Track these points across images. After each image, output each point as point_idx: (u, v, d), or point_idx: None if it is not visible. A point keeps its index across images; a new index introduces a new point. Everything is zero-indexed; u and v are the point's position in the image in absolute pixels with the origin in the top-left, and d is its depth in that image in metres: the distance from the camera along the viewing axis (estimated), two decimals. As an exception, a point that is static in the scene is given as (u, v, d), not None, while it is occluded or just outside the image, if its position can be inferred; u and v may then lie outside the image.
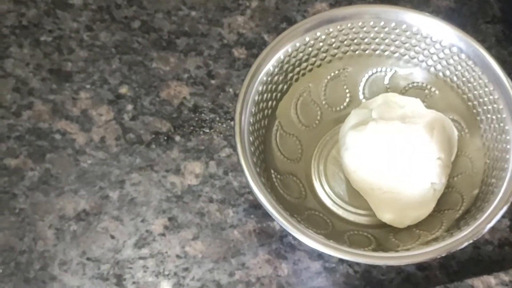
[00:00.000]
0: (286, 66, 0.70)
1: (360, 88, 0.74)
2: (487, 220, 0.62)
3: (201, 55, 0.78)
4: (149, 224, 0.71)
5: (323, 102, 0.73)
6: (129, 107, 0.76)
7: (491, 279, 0.65)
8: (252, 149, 0.65)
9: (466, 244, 0.61)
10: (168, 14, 0.80)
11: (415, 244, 0.64)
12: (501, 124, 0.67)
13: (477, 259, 0.69)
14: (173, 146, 0.74)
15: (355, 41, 0.72)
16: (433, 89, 0.72)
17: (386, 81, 0.73)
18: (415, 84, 0.73)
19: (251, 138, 0.66)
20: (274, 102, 0.70)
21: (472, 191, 0.67)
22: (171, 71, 0.77)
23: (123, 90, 0.76)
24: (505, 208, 0.62)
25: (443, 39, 0.70)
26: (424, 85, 0.73)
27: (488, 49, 0.79)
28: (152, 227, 0.71)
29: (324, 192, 0.70)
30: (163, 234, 0.70)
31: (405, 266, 0.69)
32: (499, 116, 0.67)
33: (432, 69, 0.72)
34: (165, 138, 0.74)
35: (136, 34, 0.79)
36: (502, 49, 0.80)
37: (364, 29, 0.71)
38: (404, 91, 0.73)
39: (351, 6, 0.71)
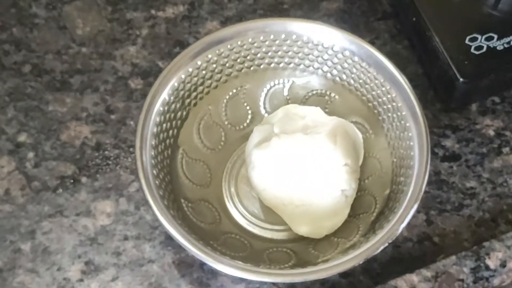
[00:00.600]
0: (181, 92, 0.69)
1: (261, 103, 0.73)
2: (400, 221, 0.62)
3: (97, 91, 0.77)
4: (65, 271, 0.69)
5: (226, 123, 0.73)
6: (31, 154, 0.74)
7: (414, 277, 0.66)
8: (157, 182, 0.64)
9: (382, 248, 0.61)
10: (59, 54, 0.79)
11: (334, 253, 0.64)
12: (402, 122, 0.67)
13: (398, 257, 0.69)
14: (81, 188, 0.72)
15: (248, 57, 0.71)
16: (332, 94, 0.72)
17: (286, 93, 0.73)
18: (314, 92, 0.73)
19: (155, 171, 0.65)
20: (175, 131, 0.70)
21: (383, 191, 0.67)
22: (68, 111, 0.76)
23: (22, 138, 0.75)
24: (415, 207, 0.62)
25: (334, 44, 0.70)
26: (324, 91, 0.73)
27: (383, 45, 0.80)
28: (69, 274, 0.69)
29: (239, 213, 0.70)
30: (82, 280, 0.69)
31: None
32: (399, 114, 0.67)
33: (328, 75, 0.72)
34: (71, 181, 0.73)
35: (29, 79, 0.77)
36: (397, 44, 0.80)
37: (255, 44, 0.71)
38: (304, 100, 0.73)
39: (237, 24, 0.71)
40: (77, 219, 0.71)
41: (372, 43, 0.79)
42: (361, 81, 0.70)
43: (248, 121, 0.73)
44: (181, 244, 0.61)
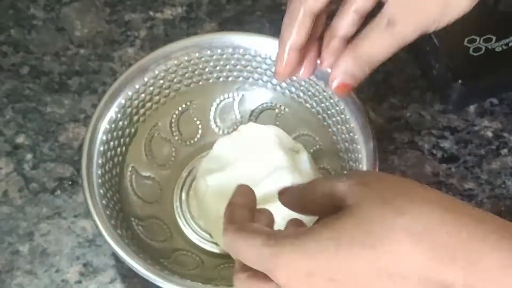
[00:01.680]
0: (129, 109, 0.68)
1: (211, 118, 0.73)
2: None
3: (95, 93, 0.77)
4: (64, 273, 0.69)
5: (176, 138, 0.72)
6: (29, 156, 0.74)
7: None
8: (104, 201, 0.64)
9: None
10: (57, 56, 0.79)
11: None
12: (351, 134, 0.67)
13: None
14: (79, 189, 0.72)
15: (196, 72, 0.71)
16: (282, 107, 0.72)
17: (236, 106, 0.73)
18: (264, 105, 0.73)
19: (102, 190, 0.64)
20: (123, 148, 0.69)
21: None
22: (66, 113, 0.76)
23: (20, 139, 0.75)
24: None
25: (271, 54, 0.69)
26: (274, 104, 0.72)
27: (382, 47, 0.80)
28: (67, 275, 0.69)
29: (190, 229, 0.69)
30: (80, 282, 0.69)
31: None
32: (347, 126, 0.67)
33: (278, 88, 0.72)
34: (70, 182, 0.73)
35: (27, 80, 0.77)
36: (395, 45, 0.80)
37: (203, 59, 0.70)
38: (256, 114, 0.73)
39: (184, 39, 0.71)
40: (75, 220, 0.71)
41: (370, 44, 0.79)
42: (310, 93, 0.70)
43: (198, 136, 0.73)
44: (127, 263, 0.61)
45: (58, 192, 0.72)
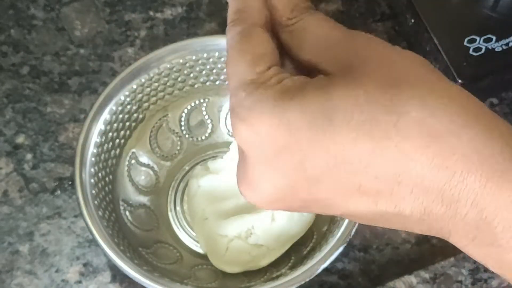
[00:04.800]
0: (139, 95, 0.69)
1: (222, 119, 0.73)
2: (322, 261, 0.61)
3: (95, 93, 0.77)
4: (64, 273, 0.69)
5: (184, 132, 0.72)
6: (29, 156, 0.74)
7: (412, 278, 0.66)
8: (94, 180, 0.64)
9: (297, 285, 0.60)
10: (57, 55, 0.79)
11: (259, 280, 0.64)
12: None
13: (397, 259, 0.69)
14: (79, 189, 0.72)
15: (214, 71, 0.71)
16: None
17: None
18: None
19: (93, 170, 0.65)
20: (128, 132, 0.69)
21: (322, 227, 0.66)
22: (66, 113, 0.76)
23: (20, 139, 0.75)
24: (341, 249, 0.61)
25: None
26: None
27: (382, 47, 0.80)
28: (67, 275, 0.69)
29: (179, 224, 0.69)
30: (80, 282, 0.69)
31: (326, 277, 0.68)
32: None
33: None
34: (70, 182, 0.73)
35: (27, 80, 0.77)
36: (395, 45, 0.80)
37: (222, 59, 0.70)
38: None
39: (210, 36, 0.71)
40: (75, 220, 0.71)
41: (370, 44, 0.79)
42: None
43: (207, 134, 0.72)
44: (99, 245, 0.61)
45: (58, 192, 0.72)
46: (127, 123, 0.69)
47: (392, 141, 0.34)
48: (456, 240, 0.36)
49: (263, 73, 0.37)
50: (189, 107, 0.72)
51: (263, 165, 0.36)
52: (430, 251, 0.70)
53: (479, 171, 0.34)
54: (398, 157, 0.34)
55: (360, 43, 0.38)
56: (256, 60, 0.37)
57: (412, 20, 0.77)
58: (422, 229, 0.36)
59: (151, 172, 0.70)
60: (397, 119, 0.34)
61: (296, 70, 0.40)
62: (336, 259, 0.61)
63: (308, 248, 0.65)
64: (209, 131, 0.73)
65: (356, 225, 0.62)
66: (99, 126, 0.66)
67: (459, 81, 0.72)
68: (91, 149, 0.65)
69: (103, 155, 0.66)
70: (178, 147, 0.72)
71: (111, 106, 0.67)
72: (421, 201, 0.35)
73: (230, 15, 0.39)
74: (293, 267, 0.63)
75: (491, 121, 0.35)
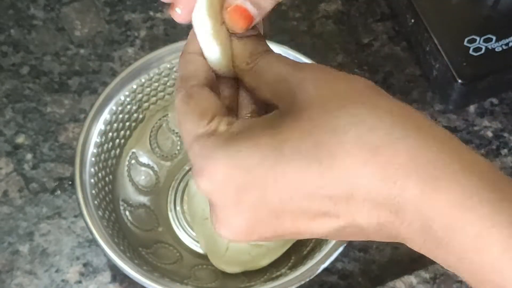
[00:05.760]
0: (139, 95, 0.69)
1: None
2: (321, 261, 0.61)
3: (95, 93, 0.77)
4: (64, 273, 0.69)
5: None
6: (29, 156, 0.74)
7: (412, 278, 0.66)
8: (94, 180, 0.65)
9: (297, 284, 0.60)
10: (57, 55, 0.79)
11: (259, 281, 0.64)
12: None
13: (397, 259, 0.69)
14: (79, 189, 0.72)
15: None
16: None
17: None
18: None
19: (93, 170, 0.65)
20: (128, 132, 0.69)
21: None
22: (66, 113, 0.76)
23: (20, 139, 0.75)
24: (341, 249, 0.61)
25: None
26: None
27: (381, 46, 0.80)
28: (67, 276, 0.69)
29: (179, 224, 0.70)
30: (80, 282, 0.69)
31: (326, 277, 0.68)
32: None
33: None
34: (70, 182, 0.73)
35: (27, 80, 0.77)
36: (395, 45, 0.80)
37: None
38: None
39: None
40: (75, 220, 0.71)
41: (370, 44, 0.79)
42: None
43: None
44: (99, 245, 0.62)
45: (58, 192, 0.72)
46: (127, 123, 0.69)
47: (337, 160, 0.36)
48: (413, 245, 0.38)
49: (209, 125, 0.39)
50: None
51: (228, 206, 0.39)
52: (430, 251, 0.70)
53: (417, 179, 0.36)
54: (345, 175, 0.36)
55: (305, 75, 0.40)
56: (200, 116, 0.39)
57: (412, 20, 0.77)
58: (383, 237, 0.38)
59: (151, 172, 0.70)
60: (339, 138, 0.36)
61: (261, 110, 0.42)
62: (336, 259, 0.61)
63: (308, 248, 0.65)
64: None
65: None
66: (99, 126, 0.66)
67: (459, 81, 0.72)
68: (91, 149, 0.65)
69: (103, 155, 0.66)
70: (178, 147, 0.72)
71: (111, 106, 0.67)
72: (374, 213, 0.37)
73: (176, 83, 0.42)
74: (293, 267, 0.63)
75: (428, 131, 0.37)
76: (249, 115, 0.43)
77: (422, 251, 0.38)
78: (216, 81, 0.43)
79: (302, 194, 0.37)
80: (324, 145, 0.36)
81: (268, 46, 0.43)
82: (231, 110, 0.43)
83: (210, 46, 0.42)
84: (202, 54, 0.42)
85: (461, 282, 0.66)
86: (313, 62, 0.38)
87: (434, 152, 0.36)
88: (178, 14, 0.42)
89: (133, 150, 0.69)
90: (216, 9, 0.42)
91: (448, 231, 0.36)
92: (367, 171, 0.36)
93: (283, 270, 0.64)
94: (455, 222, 0.35)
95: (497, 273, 0.35)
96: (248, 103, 0.43)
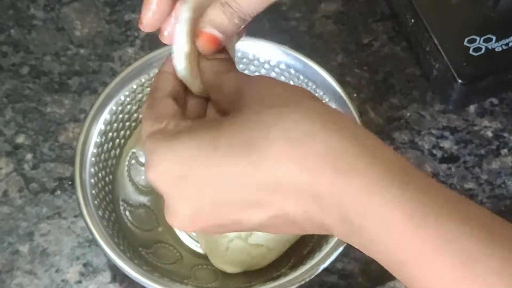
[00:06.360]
0: (139, 95, 0.69)
1: None
2: (321, 261, 0.61)
3: (95, 93, 0.77)
4: (64, 273, 0.69)
5: None
6: (29, 156, 0.74)
7: (412, 278, 0.65)
8: (94, 180, 0.65)
9: (297, 285, 0.60)
10: (57, 56, 0.79)
11: (259, 281, 0.64)
12: None
13: (397, 259, 0.69)
14: (79, 189, 0.72)
15: None
16: None
17: None
18: None
19: (93, 170, 0.65)
20: (128, 132, 0.69)
21: None
22: (67, 113, 0.76)
23: (20, 139, 0.75)
24: (341, 249, 0.61)
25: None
26: None
27: (381, 46, 0.80)
28: (67, 276, 0.69)
29: None
30: (80, 282, 0.69)
31: (326, 277, 0.68)
32: None
33: None
34: (70, 182, 0.73)
35: (27, 80, 0.77)
36: (395, 45, 0.80)
37: None
38: None
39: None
40: (75, 220, 0.71)
41: (370, 44, 0.79)
42: None
43: None
44: (99, 245, 0.62)
45: (58, 192, 0.72)
46: (127, 123, 0.69)
47: (264, 153, 0.40)
48: (336, 233, 0.41)
49: (161, 123, 0.44)
50: None
51: (173, 196, 0.43)
52: (430, 251, 0.70)
53: (332, 168, 0.39)
54: (272, 166, 0.40)
55: (251, 85, 0.44)
56: (156, 118, 0.45)
57: (412, 20, 0.77)
58: (313, 227, 0.41)
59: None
60: (267, 133, 0.40)
61: (221, 115, 0.47)
62: (336, 259, 0.61)
63: (308, 248, 0.65)
64: None
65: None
66: (99, 126, 0.66)
67: (459, 81, 0.72)
68: (91, 149, 0.65)
69: (103, 155, 0.66)
70: None
71: (111, 106, 0.67)
72: (300, 202, 0.40)
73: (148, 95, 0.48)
74: (293, 267, 0.63)
75: (347, 128, 0.41)
76: None
77: (343, 238, 0.41)
78: (183, 96, 0.48)
79: (236, 185, 0.41)
80: (254, 140, 0.40)
81: (234, 67, 0.49)
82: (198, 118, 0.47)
83: (182, 64, 0.48)
84: (172, 73, 0.48)
85: (461, 282, 0.66)
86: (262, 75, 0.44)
87: (349, 145, 0.40)
88: (166, 36, 0.50)
89: (133, 150, 0.69)
90: (191, 33, 0.48)
91: (360, 216, 0.39)
92: (290, 161, 0.40)
93: (283, 270, 0.64)
94: (364, 207, 0.39)
95: (403, 253, 0.38)
96: (214, 113, 0.48)
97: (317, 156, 0.39)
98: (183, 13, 0.48)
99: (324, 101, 0.67)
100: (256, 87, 0.44)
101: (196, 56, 0.48)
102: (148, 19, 0.50)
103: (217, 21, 0.47)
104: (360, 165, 0.39)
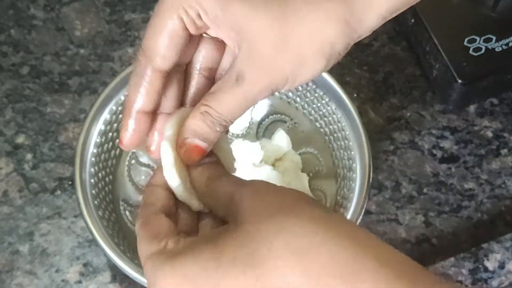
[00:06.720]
0: None
1: None
2: None
3: (95, 93, 0.77)
4: (64, 273, 0.69)
5: None
6: (29, 156, 0.74)
7: (412, 278, 0.65)
8: (94, 180, 0.65)
9: None
10: (57, 56, 0.79)
11: None
12: (350, 161, 0.67)
13: (397, 259, 0.69)
14: (79, 189, 0.72)
15: None
16: (293, 121, 0.72)
17: (248, 113, 0.72)
18: (276, 117, 0.72)
19: (93, 170, 0.65)
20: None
21: None
22: (66, 113, 0.76)
23: (20, 139, 0.75)
24: None
25: None
26: (284, 117, 0.72)
27: (381, 47, 0.80)
28: (67, 276, 0.69)
29: None
30: (80, 282, 0.69)
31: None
32: (349, 152, 0.68)
33: (291, 101, 0.72)
34: (70, 182, 0.73)
35: (27, 80, 0.77)
36: (395, 45, 0.80)
37: None
38: (266, 124, 0.73)
39: None
40: (75, 220, 0.71)
41: (370, 45, 0.79)
42: (321, 113, 0.70)
43: None
44: (99, 245, 0.62)
45: (58, 192, 0.72)
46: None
47: (269, 265, 0.40)
48: None
49: (159, 244, 0.44)
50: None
51: None
52: (430, 251, 0.70)
53: (338, 276, 0.39)
54: (277, 278, 0.40)
55: (245, 191, 0.44)
56: (152, 238, 0.44)
57: (412, 20, 0.77)
58: None
59: (151, 172, 0.70)
60: (269, 246, 0.40)
61: (214, 226, 0.47)
62: None
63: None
64: None
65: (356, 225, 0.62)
66: (99, 126, 0.66)
67: (459, 81, 0.72)
68: (91, 149, 0.65)
69: (103, 155, 0.66)
70: None
71: (111, 106, 0.67)
72: None
73: (138, 211, 0.48)
74: None
75: (347, 234, 0.41)
76: None
77: None
78: (175, 208, 0.48)
79: None
80: (256, 253, 0.40)
81: (224, 170, 0.48)
82: (190, 234, 0.46)
83: (172, 175, 0.47)
84: (162, 186, 0.48)
85: (461, 282, 0.66)
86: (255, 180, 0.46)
87: (353, 252, 0.40)
88: (153, 151, 0.50)
89: (133, 150, 0.69)
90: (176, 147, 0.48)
91: None
92: (295, 274, 0.40)
93: None
94: None
95: None
96: (207, 227, 0.47)
97: (322, 267, 0.40)
98: (167, 130, 0.48)
99: (339, 124, 0.67)
100: (251, 196, 0.43)
101: (185, 168, 0.48)
102: (127, 139, 0.49)
103: (199, 130, 0.47)
104: (368, 271, 0.39)
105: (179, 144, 0.48)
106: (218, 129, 0.47)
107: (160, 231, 0.44)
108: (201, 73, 0.50)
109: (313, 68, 0.47)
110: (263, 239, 0.40)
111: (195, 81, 0.50)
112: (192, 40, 0.48)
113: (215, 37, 0.49)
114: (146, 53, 0.48)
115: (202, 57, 0.50)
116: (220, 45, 0.49)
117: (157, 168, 0.49)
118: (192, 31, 0.47)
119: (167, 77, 0.48)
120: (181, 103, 0.50)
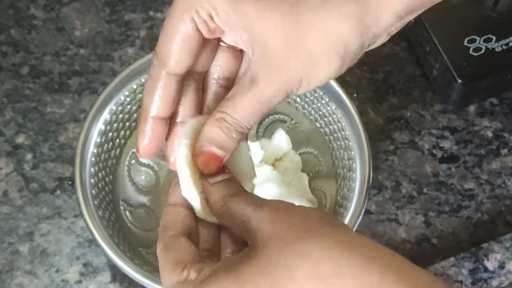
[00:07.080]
0: (139, 95, 0.68)
1: None
2: None
3: (95, 93, 0.77)
4: (64, 273, 0.69)
5: None
6: (29, 156, 0.74)
7: (412, 278, 0.65)
8: (94, 180, 0.65)
9: None
10: (57, 55, 0.79)
11: None
12: (350, 161, 0.67)
13: (397, 259, 0.69)
14: (79, 189, 0.72)
15: None
16: (293, 121, 0.72)
17: None
18: (276, 117, 0.72)
19: (93, 170, 0.65)
20: (128, 132, 0.69)
21: None
22: (66, 113, 0.76)
23: (20, 139, 0.75)
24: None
25: None
26: (284, 117, 0.72)
27: (381, 46, 0.79)
28: (67, 275, 0.69)
29: None
30: (80, 282, 0.69)
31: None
32: (349, 152, 0.68)
33: (291, 101, 0.71)
34: (70, 182, 0.73)
35: (27, 80, 0.77)
36: (395, 45, 0.80)
37: None
38: (266, 124, 0.73)
39: None
40: (75, 220, 0.71)
41: (370, 44, 0.79)
42: (320, 113, 0.70)
43: None
44: (99, 245, 0.62)
45: (58, 192, 0.72)
46: (127, 123, 0.69)
47: None
48: None
49: (182, 273, 0.43)
50: None
51: None
52: (430, 251, 0.70)
53: None
54: None
55: (264, 214, 0.43)
56: (174, 266, 0.43)
57: (412, 20, 0.77)
58: None
59: (151, 172, 0.70)
60: (292, 273, 0.39)
61: (241, 247, 0.45)
62: None
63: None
64: None
65: (356, 225, 0.62)
66: (99, 126, 0.66)
67: (459, 81, 0.72)
68: (91, 149, 0.65)
69: (103, 155, 0.66)
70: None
71: (111, 106, 0.67)
72: None
73: (159, 233, 0.47)
74: None
75: (372, 256, 0.40)
76: (229, 254, 0.46)
77: None
78: (195, 226, 0.47)
79: None
80: (280, 282, 0.39)
81: (240, 186, 0.47)
82: (213, 251, 0.46)
83: (190, 192, 0.46)
84: (181, 205, 0.47)
85: (461, 282, 0.66)
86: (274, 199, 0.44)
87: (378, 276, 0.39)
88: (172, 163, 0.49)
89: (133, 150, 0.69)
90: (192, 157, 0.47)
91: None
92: None
93: None
94: None
95: None
96: (228, 243, 0.46)
97: None
98: (182, 139, 0.47)
99: (339, 124, 0.67)
100: (270, 220, 0.42)
101: (201, 183, 0.47)
102: (143, 147, 0.49)
103: (215, 138, 0.46)
104: None
105: (195, 152, 0.46)
106: (234, 135, 0.46)
107: (182, 258, 0.44)
108: (218, 82, 0.49)
109: (327, 68, 0.46)
110: (285, 267, 0.40)
111: (212, 90, 0.49)
112: (209, 47, 0.48)
113: (232, 46, 0.48)
114: (159, 57, 0.47)
115: (219, 66, 0.49)
116: (238, 54, 0.48)
117: (173, 185, 0.48)
118: (205, 33, 0.46)
119: (185, 85, 0.48)
120: (199, 113, 0.49)
